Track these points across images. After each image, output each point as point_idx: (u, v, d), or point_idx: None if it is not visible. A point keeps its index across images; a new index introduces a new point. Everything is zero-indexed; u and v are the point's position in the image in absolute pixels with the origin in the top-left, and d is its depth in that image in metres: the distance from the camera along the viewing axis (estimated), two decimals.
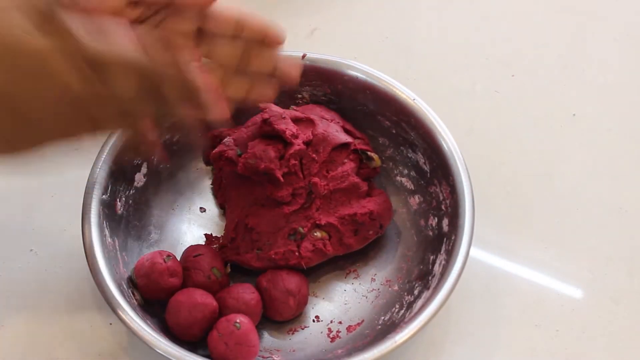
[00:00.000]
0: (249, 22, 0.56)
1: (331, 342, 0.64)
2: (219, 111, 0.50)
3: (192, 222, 0.70)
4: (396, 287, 0.66)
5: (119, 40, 0.44)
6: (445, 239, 0.64)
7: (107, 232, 0.62)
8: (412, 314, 0.60)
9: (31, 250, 0.68)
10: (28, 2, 0.43)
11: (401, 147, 0.70)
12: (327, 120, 0.68)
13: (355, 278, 0.68)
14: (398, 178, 0.71)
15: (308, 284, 0.65)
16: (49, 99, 0.43)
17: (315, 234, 0.65)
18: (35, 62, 0.42)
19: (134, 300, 0.61)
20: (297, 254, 0.64)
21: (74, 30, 0.43)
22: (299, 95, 0.71)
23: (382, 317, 0.64)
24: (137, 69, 0.45)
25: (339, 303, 0.67)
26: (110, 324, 0.64)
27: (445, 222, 0.65)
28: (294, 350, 0.63)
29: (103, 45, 0.43)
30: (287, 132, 0.65)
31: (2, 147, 0.47)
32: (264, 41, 0.57)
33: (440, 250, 0.64)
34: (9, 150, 0.47)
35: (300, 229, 0.65)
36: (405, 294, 0.65)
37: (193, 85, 0.47)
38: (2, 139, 0.45)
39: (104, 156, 0.63)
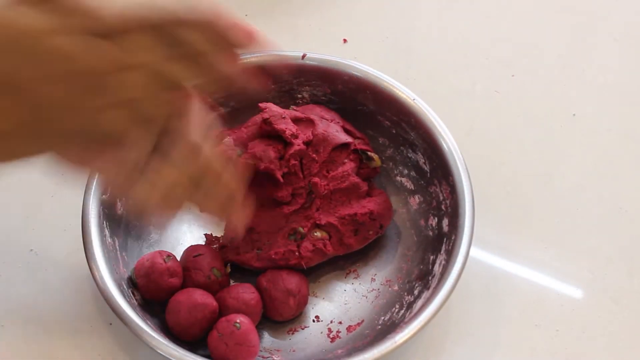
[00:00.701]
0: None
1: (331, 342, 0.64)
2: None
3: (192, 222, 0.70)
4: (396, 287, 0.66)
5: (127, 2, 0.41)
6: (445, 239, 0.64)
7: (107, 232, 0.62)
8: (412, 314, 0.60)
9: (31, 250, 0.68)
10: None
11: (401, 147, 0.70)
12: (327, 120, 0.68)
13: (355, 278, 0.68)
14: (398, 178, 0.71)
15: (308, 284, 0.65)
16: (55, 78, 0.40)
17: (315, 234, 0.65)
18: (28, 40, 0.39)
19: (134, 300, 0.61)
20: (297, 254, 0.64)
21: (81, 3, 0.40)
22: (299, 95, 0.71)
23: (382, 317, 0.64)
24: (155, 22, 0.41)
25: (339, 303, 0.66)
26: (110, 324, 0.64)
27: (445, 222, 0.65)
28: (294, 350, 0.63)
29: (115, 10, 0.40)
30: (287, 132, 0.65)
31: (24, 144, 0.42)
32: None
33: (440, 250, 0.64)
34: (35, 149, 0.43)
35: (300, 229, 0.65)
36: (405, 294, 0.65)
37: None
38: (22, 133, 0.41)
39: None
